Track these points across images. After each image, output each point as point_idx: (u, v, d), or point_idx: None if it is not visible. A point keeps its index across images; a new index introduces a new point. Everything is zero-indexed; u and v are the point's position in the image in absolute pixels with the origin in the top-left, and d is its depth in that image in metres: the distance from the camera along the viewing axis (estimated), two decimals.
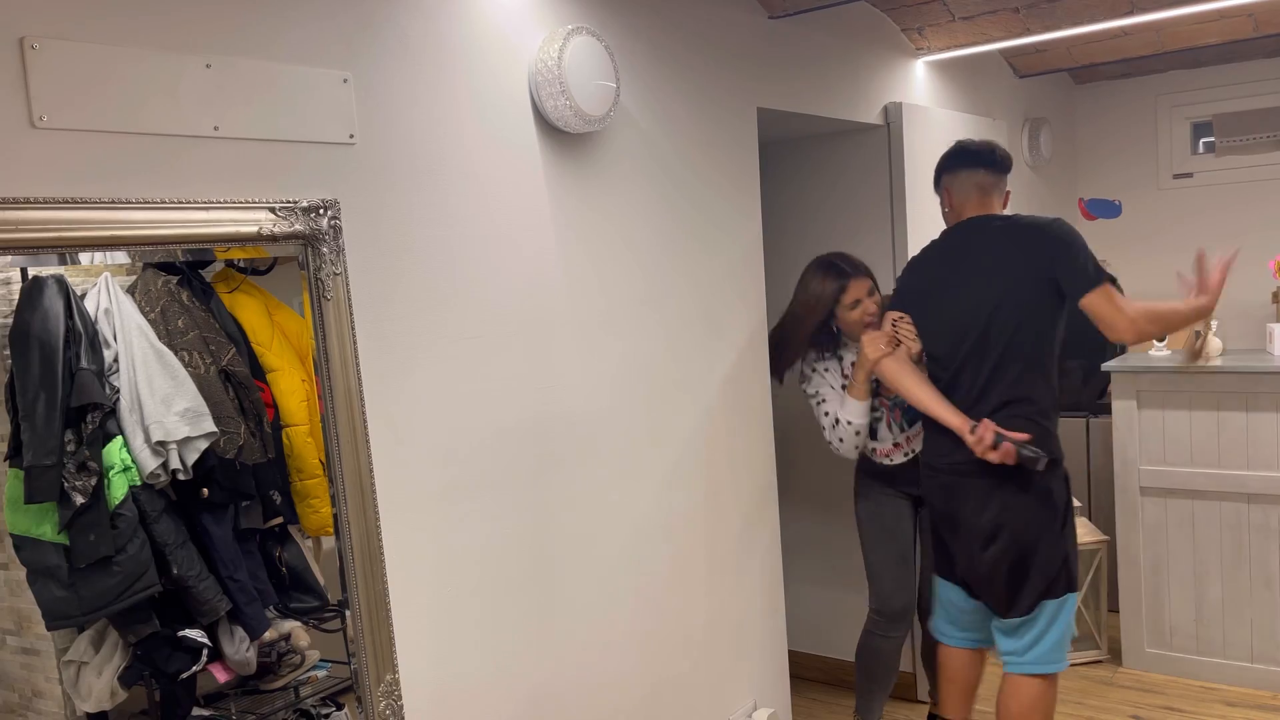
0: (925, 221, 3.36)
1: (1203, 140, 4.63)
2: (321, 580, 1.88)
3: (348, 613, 1.78)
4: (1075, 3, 3.11)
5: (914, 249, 3.29)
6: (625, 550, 2.36)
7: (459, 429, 1.96)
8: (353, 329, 1.74)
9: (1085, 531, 3.64)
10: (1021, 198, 4.21)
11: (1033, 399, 2.41)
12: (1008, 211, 2.62)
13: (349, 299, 1.74)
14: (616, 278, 2.32)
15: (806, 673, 3.62)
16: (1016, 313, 2.40)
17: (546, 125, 2.12)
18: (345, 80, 1.75)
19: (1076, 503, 3.71)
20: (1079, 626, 3.68)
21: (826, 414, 2.81)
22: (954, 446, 2.43)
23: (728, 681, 2.70)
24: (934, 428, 2.51)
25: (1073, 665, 3.63)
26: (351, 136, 1.76)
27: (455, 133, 1.94)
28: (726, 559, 2.67)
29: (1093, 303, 2.33)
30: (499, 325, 2.04)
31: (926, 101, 3.52)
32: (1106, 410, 4.05)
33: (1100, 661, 3.65)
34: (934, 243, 2.67)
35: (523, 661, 2.10)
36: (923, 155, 3.33)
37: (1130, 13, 3.13)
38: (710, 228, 2.59)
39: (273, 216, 1.63)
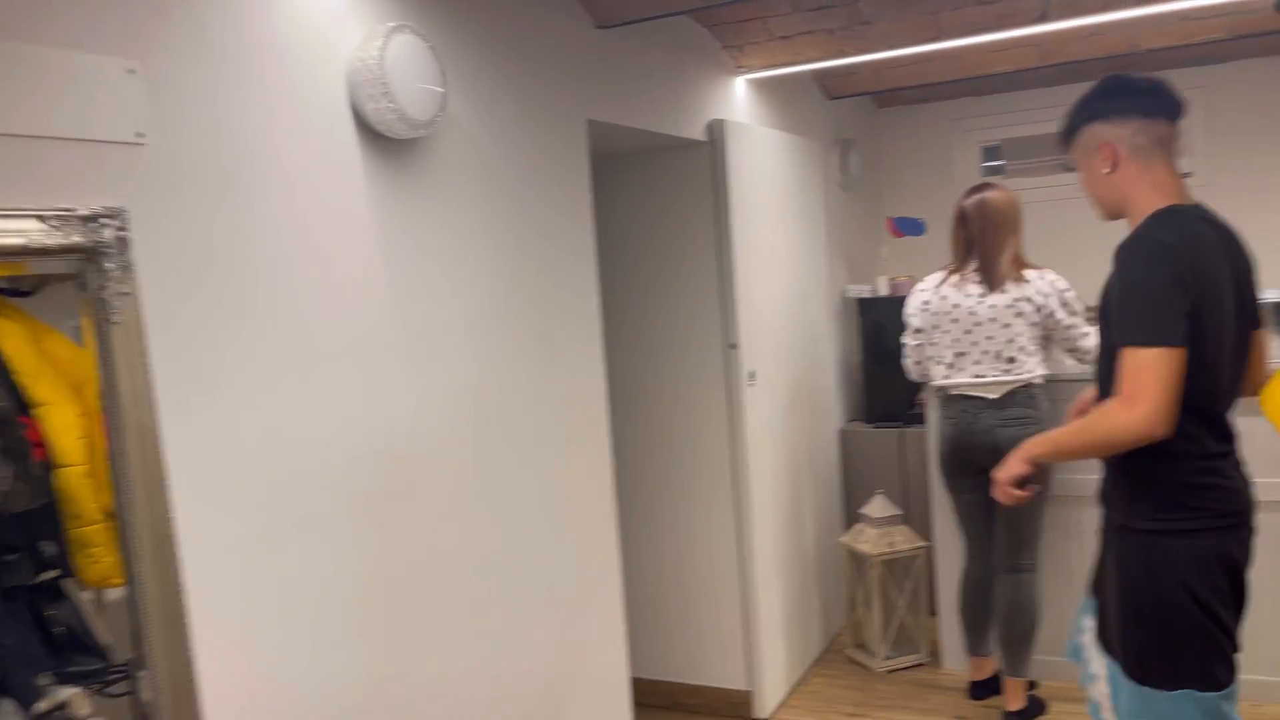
0: (752, 240, 3.38)
1: (991, 163, 4.92)
2: (105, 639, 1.62)
3: (141, 676, 1.54)
4: (887, 27, 3.20)
5: (741, 265, 3.30)
6: (463, 592, 2.19)
7: (273, 468, 1.75)
8: (145, 357, 1.51)
9: (904, 539, 3.74)
10: (835, 217, 4.32)
11: None
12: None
13: (140, 323, 1.51)
14: (448, 297, 2.16)
15: (648, 699, 3.54)
16: None
17: (367, 130, 1.95)
18: (132, 71, 1.52)
19: (898, 510, 3.83)
20: (901, 631, 3.79)
21: None
22: None
23: (570, 715, 2.57)
24: None
25: (895, 670, 3.73)
26: (140, 135, 1.53)
27: (263, 135, 1.74)
28: (566, 590, 2.54)
29: None
30: (318, 351, 1.84)
31: (747, 119, 3.54)
32: (919, 420, 4.21)
33: (922, 665, 3.76)
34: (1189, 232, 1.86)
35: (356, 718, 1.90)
36: (746, 173, 3.35)
37: (936, 39, 3.25)
38: (544, 243, 2.47)
39: (43, 227, 1.39)
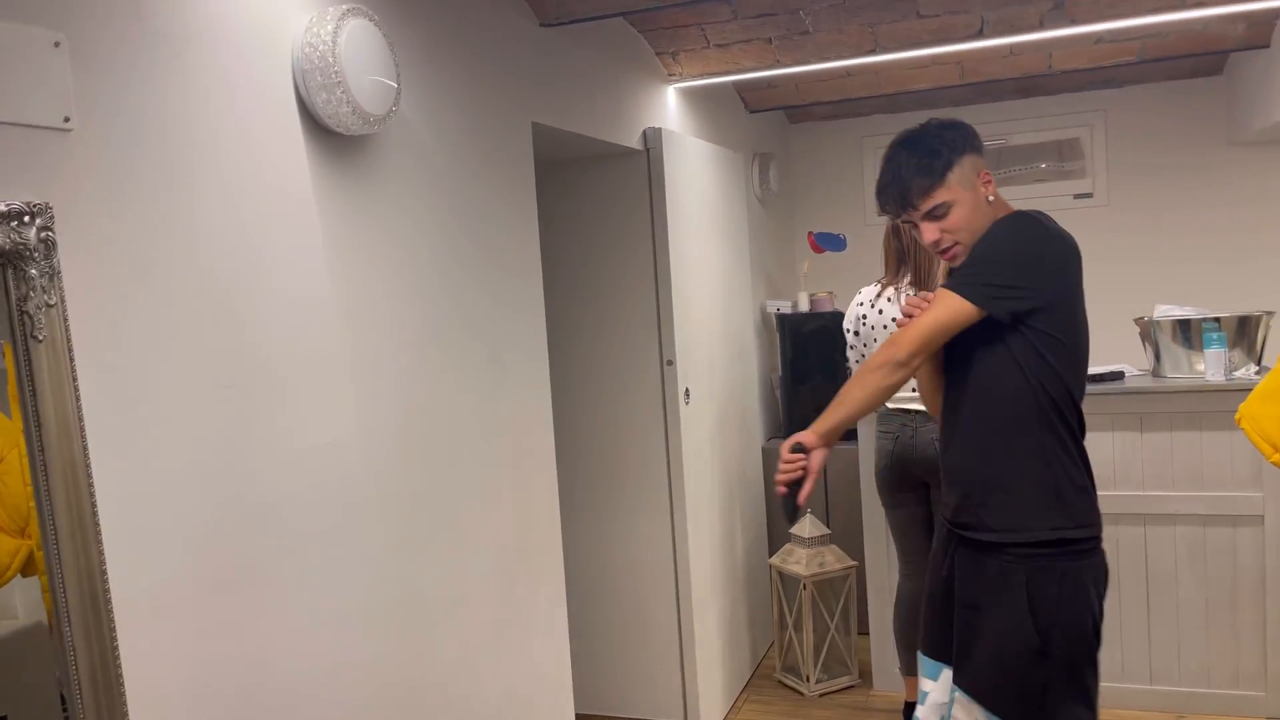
0: (685, 253, 3.27)
1: None
2: None
3: None
4: (825, 39, 3.15)
5: (678, 279, 3.19)
6: (413, 630, 1.98)
7: (219, 503, 1.52)
8: (75, 382, 1.27)
9: (834, 559, 3.69)
10: (755, 232, 4.27)
11: None
12: None
13: (68, 340, 1.27)
14: (398, 309, 1.96)
15: None
16: None
17: (314, 124, 1.74)
18: (57, 44, 1.29)
19: (826, 530, 3.77)
20: (831, 653, 3.73)
21: None
22: None
23: None
24: None
25: (827, 693, 3.66)
26: (67, 120, 1.30)
27: (202, 124, 1.52)
28: (514, 625, 2.36)
29: None
30: (262, 370, 1.62)
31: (677, 129, 3.44)
32: (842, 437, 4.18)
33: (853, 686, 3.70)
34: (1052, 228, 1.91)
35: None
36: (680, 184, 3.24)
37: (873, 52, 3.22)
38: (490, 254, 2.29)
39: None
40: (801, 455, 1.90)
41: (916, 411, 3.19)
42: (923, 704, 2.02)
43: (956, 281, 1.86)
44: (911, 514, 3.30)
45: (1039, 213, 1.91)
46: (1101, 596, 1.90)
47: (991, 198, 1.93)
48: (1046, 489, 1.84)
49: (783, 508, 1.95)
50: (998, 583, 1.85)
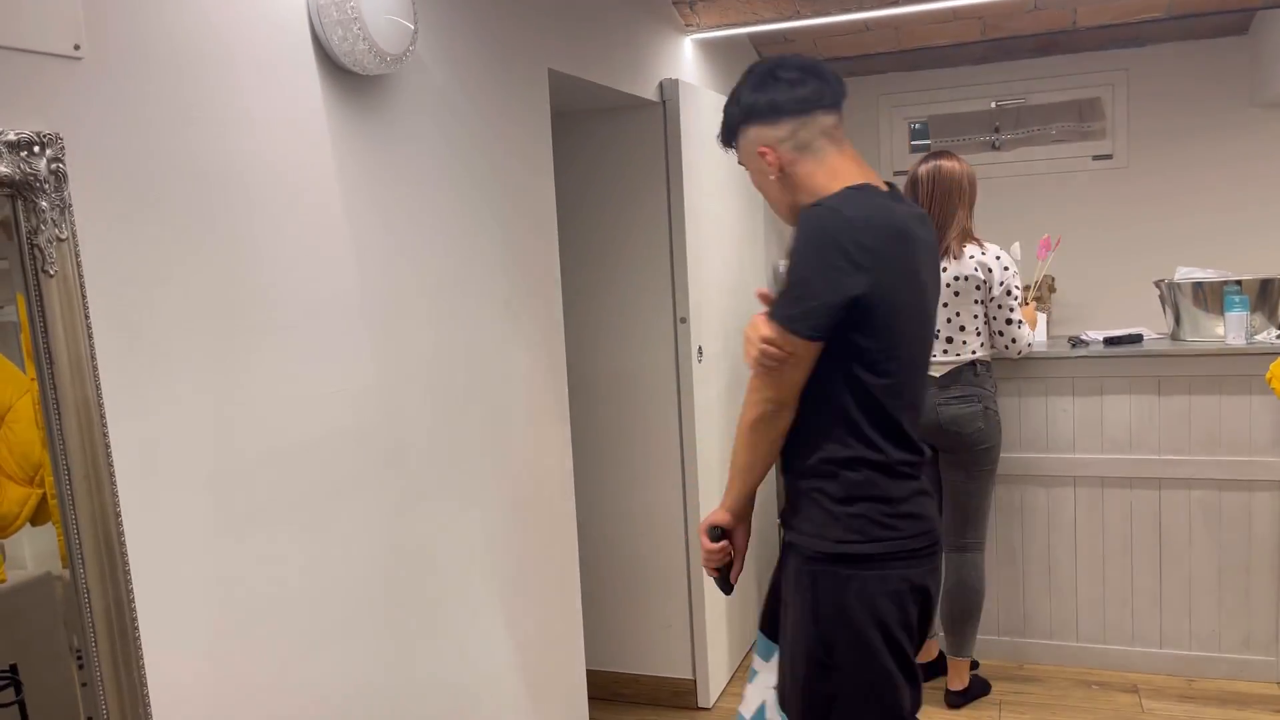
0: (700, 209, 3.21)
1: (919, 141, 4.89)
2: None
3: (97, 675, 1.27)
4: None
5: (692, 237, 3.13)
6: (426, 588, 1.96)
7: (233, 449, 1.49)
8: (87, 318, 1.24)
9: None
10: None
11: None
12: None
13: (80, 275, 1.23)
14: (415, 254, 1.92)
15: (600, 692, 3.36)
16: None
17: (329, 61, 1.69)
18: None
19: None
20: None
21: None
22: None
23: (528, 710, 2.37)
24: None
25: None
26: (77, 48, 1.25)
27: (214, 56, 1.47)
28: (527, 582, 2.34)
29: None
30: (277, 312, 1.58)
31: (694, 81, 3.37)
32: None
33: None
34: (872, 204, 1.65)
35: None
36: (695, 137, 3.18)
37: (895, 3, 3.14)
38: (507, 199, 2.25)
39: None
40: (724, 541, 1.80)
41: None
42: (751, 681, 1.90)
43: (780, 313, 1.62)
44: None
45: (838, 199, 1.62)
46: (902, 621, 1.67)
47: (774, 175, 1.69)
48: (835, 499, 1.66)
49: (719, 586, 1.86)
50: (794, 582, 1.72)
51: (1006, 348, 3.13)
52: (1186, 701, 3.14)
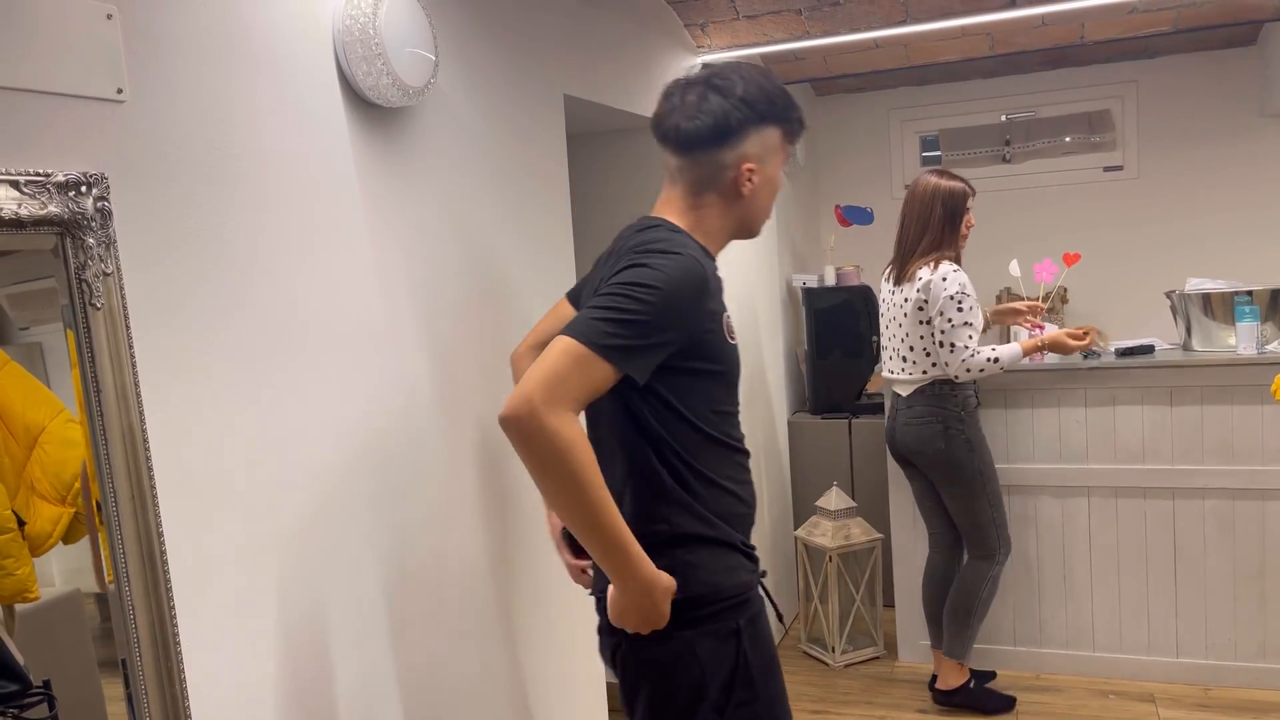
0: None
1: (929, 154, 4.93)
2: (20, 659, 1.41)
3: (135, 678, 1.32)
4: (855, 9, 3.13)
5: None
6: (454, 599, 2.02)
7: (267, 472, 1.55)
8: (131, 349, 1.30)
9: (860, 531, 3.70)
10: (780, 205, 4.25)
11: None
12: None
13: (124, 308, 1.30)
14: (438, 281, 1.98)
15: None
16: None
17: (354, 96, 1.75)
18: (110, 16, 1.31)
19: (852, 503, 3.78)
20: (856, 624, 3.75)
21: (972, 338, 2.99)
22: None
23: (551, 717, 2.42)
24: None
25: (853, 664, 3.69)
26: (120, 92, 1.32)
27: (247, 96, 1.54)
28: (548, 597, 2.39)
29: None
30: (307, 339, 1.65)
31: None
32: (868, 410, 4.18)
33: (878, 658, 3.73)
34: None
35: None
36: None
37: (904, 22, 3.20)
38: (525, 224, 2.31)
39: (16, 194, 1.17)
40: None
41: (895, 392, 3.23)
42: None
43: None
44: (919, 487, 3.32)
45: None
46: (730, 669, 1.55)
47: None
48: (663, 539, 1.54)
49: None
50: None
51: (945, 367, 3.04)
52: (1203, 710, 3.16)
